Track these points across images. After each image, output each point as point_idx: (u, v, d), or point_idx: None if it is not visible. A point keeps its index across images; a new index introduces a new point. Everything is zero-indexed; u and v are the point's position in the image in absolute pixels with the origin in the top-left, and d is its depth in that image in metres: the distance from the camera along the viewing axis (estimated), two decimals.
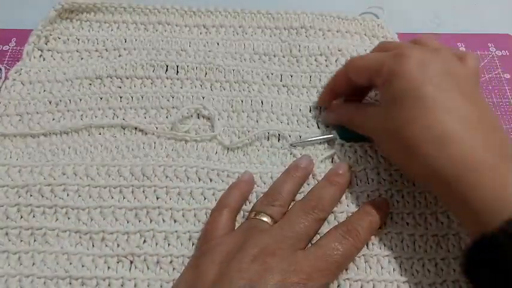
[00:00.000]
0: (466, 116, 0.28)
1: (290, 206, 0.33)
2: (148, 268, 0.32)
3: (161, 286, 0.31)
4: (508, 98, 0.43)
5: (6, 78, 0.42)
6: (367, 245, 0.33)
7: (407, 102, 0.29)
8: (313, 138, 0.38)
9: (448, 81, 0.29)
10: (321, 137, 0.38)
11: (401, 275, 0.32)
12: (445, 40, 0.46)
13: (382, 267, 0.32)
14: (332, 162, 0.37)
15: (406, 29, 0.47)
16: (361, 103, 0.38)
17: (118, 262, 0.32)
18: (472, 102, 0.29)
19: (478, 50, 0.46)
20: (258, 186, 0.35)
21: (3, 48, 0.46)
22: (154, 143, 0.38)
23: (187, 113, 0.39)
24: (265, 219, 0.32)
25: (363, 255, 0.32)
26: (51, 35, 0.44)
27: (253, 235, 0.30)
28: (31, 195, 0.34)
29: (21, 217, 0.34)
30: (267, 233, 0.30)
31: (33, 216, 0.34)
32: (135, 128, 0.38)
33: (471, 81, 0.31)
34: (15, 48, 0.46)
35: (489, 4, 0.50)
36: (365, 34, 0.45)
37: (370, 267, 0.32)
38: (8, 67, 0.44)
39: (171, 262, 0.32)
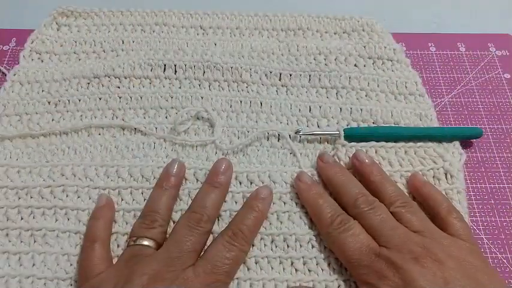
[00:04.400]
0: None
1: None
2: None
3: None
4: (508, 98, 0.42)
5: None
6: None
7: None
8: (318, 132, 0.38)
9: None
10: (326, 132, 0.38)
11: None
12: (445, 40, 0.46)
13: None
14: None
15: (406, 29, 0.47)
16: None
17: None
18: None
19: (478, 50, 0.46)
20: (256, 185, 0.35)
21: (3, 48, 0.46)
22: (154, 143, 0.38)
23: (187, 114, 0.39)
24: (146, 243, 0.30)
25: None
26: (48, 39, 0.45)
27: (139, 263, 0.28)
28: (31, 197, 0.34)
29: (22, 218, 0.34)
30: (153, 258, 0.29)
31: (33, 217, 0.34)
32: (135, 129, 0.38)
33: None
34: (15, 48, 0.46)
35: (489, 4, 0.50)
36: (363, 30, 0.45)
37: None
38: (8, 67, 0.44)
39: None
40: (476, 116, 0.41)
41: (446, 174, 0.35)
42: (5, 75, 0.43)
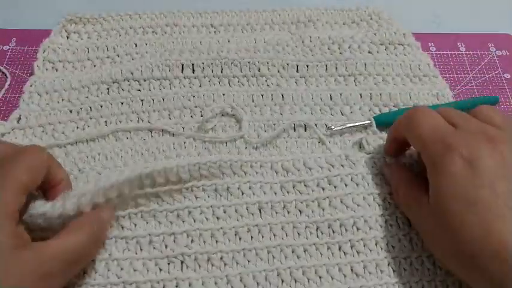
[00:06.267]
0: None
1: None
2: (200, 266, 0.32)
3: (216, 283, 0.31)
4: (508, 98, 0.43)
5: (11, 82, 0.43)
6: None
7: (458, 207, 0.27)
8: (351, 124, 0.39)
9: (504, 184, 0.27)
10: (358, 123, 0.39)
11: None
12: (445, 40, 0.47)
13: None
14: (360, 147, 0.38)
15: (406, 29, 0.47)
16: (416, 183, 0.32)
17: (169, 263, 0.32)
18: None
19: (478, 50, 0.46)
20: (292, 174, 0.36)
21: (3, 48, 0.45)
22: (184, 142, 0.38)
23: (211, 112, 0.39)
24: None
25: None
26: (59, 47, 0.44)
27: None
28: None
29: None
30: None
31: None
32: (162, 130, 0.38)
33: None
34: (15, 48, 0.45)
35: (489, 4, 0.51)
36: (371, 19, 0.47)
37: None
38: (8, 67, 0.44)
39: (221, 258, 0.32)
40: None
41: None
42: (5, 75, 0.43)
